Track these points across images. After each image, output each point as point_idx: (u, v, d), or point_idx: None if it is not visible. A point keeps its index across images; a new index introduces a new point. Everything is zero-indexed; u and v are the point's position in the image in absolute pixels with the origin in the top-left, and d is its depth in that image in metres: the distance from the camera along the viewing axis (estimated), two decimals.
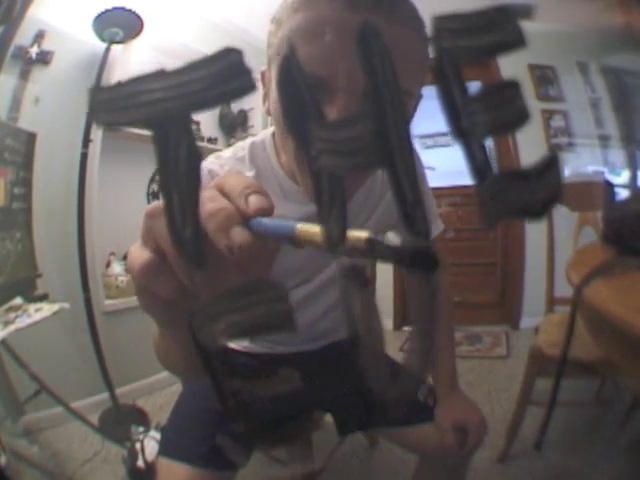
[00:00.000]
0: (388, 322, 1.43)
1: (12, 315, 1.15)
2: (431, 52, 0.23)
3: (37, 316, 1.15)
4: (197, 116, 0.24)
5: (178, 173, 0.24)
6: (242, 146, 0.71)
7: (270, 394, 0.30)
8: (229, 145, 0.74)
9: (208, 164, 0.68)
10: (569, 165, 1.44)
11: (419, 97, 0.58)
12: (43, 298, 1.30)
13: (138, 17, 1.39)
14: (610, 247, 0.86)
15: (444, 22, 0.22)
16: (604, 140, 1.41)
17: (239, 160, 0.69)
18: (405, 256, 0.22)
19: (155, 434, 1.14)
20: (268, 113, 0.61)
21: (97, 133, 1.38)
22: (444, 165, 1.18)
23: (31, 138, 1.37)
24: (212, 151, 0.73)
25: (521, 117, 0.22)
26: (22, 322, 1.12)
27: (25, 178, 1.36)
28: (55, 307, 1.20)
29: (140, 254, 0.28)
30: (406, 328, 1.41)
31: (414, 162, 0.23)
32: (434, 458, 0.86)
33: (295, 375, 0.31)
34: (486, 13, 0.22)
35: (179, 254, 0.26)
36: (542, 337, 1.18)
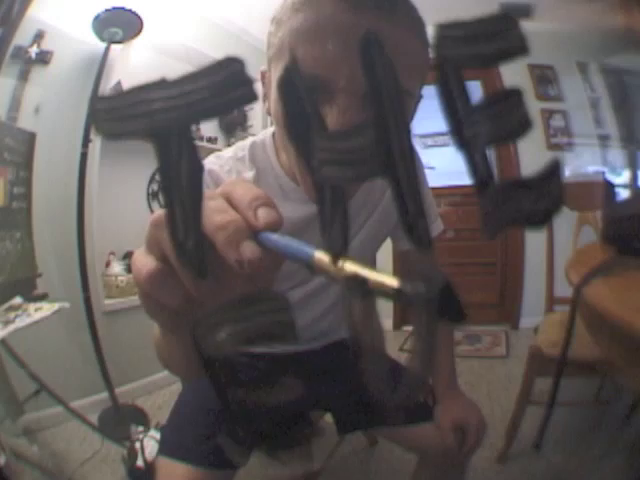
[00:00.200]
0: (388, 322, 1.43)
1: (12, 315, 1.15)
2: (432, 53, 0.23)
3: (37, 316, 1.15)
4: None
5: (180, 184, 0.24)
6: (242, 146, 0.71)
7: (272, 402, 0.30)
8: (229, 145, 0.74)
9: (208, 164, 0.68)
10: (569, 165, 1.44)
11: (419, 97, 0.58)
12: (43, 298, 1.30)
13: (138, 17, 1.39)
14: (610, 247, 0.86)
15: (446, 30, 0.22)
16: (604, 140, 1.41)
17: (239, 160, 0.69)
18: (434, 308, 0.22)
19: (155, 433, 1.14)
20: (268, 113, 0.61)
21: None
22: (444, 165, 1.18)
23: (31, 138, 1.37)
24: (212, 151, 0.73)
25: (523, 126, 0.22)
26: (22, 322, 1.12)
27: (25, 178, 1.36)
28: (55, 307, 1.20)
29: (146, 261, 0.28)
30: (406, 328, 1.41)
31: (416, 172, 0.23)
32: (434, 458, 0.86)
33: (297, 384, 0.31)
34: (488, 20, 0.22)
35: (182, 265, 0.25)
36: (542, 337, 1.18)
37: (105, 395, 1.42)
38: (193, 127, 0.24)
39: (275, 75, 0.56)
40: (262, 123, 1.50)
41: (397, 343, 1.25)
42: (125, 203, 1.50)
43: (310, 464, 1.04)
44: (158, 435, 1.11)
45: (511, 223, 0.23)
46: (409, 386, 0.25)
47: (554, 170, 0.23)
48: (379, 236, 0.80)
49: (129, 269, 1.49)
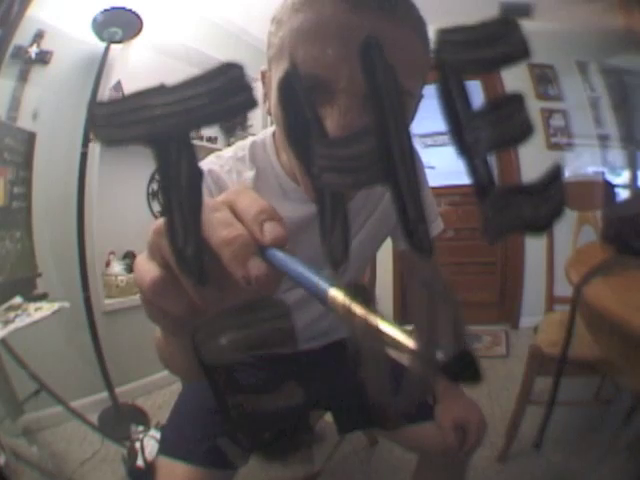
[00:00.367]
0: None
1: (12, 314, 1.15)
2: (432, 56, 0.23)
3: (37, 315, 1.15)
4: None
5: (179, 190, 0.24)
6: (242, 146, 0.71)
7: (272, 408, 0.30)
8: (229, 145, 0.74)
9: (208, 164, 0.68)
10: (569, 165, 1.44)
11: (420, 97, 0.58)
12: (43, 297, 1.30)
13: (137, 17, 1.39)
14: (609, 246, 0.86)
15: (447, 35, 0.22)
16: (604, 139, 1.41)
17: (239, 160, 0.69)
18: (450, 372, 0.21)
19: (155, 433, 1.14)
20: (269, 113, 0.60)
21: None
22: (444, 164, 1.18)
23: (31, 137, 1.37)
24: (212, 150, 0.73)
25: (525, 131, 0.22)
26: (22, 321, 1.12)
27: (25, 177, 1.36)
28: (55, 306, 1.20)
29: (149, 268, 0.27)
30: (406, 327, 1.41)
31: (417, 179, 0.23)
32: (434, 457, 0.86)
33: (298, 390, 0.30)
34: (489, 24, 0.22)
35: (181, 272, 0.25)
36: (542, 336, 1.18)
37: (105, 395, 1.42)
38: (192, 133, 0.24)
39: (275, 75, 0.56)
40: (262, 123, 1.50)
41: None
42: (125, 203, 1.51)
43: (310, 465, 1.04)
44: (158, 435, 1.11)
45: (512, 229, 0.23)
46: (411, 390, 0.25)
47: (555, 175, 0.23)
48: (379, 236, 0.80)
49: (129, 269, 1.49)
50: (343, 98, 0.49)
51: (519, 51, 0.22)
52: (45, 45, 1.36)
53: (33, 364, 1.29)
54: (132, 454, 1.12)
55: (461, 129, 0.22)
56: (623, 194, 1.40)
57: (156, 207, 1.53)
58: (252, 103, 0.23)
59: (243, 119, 1.60)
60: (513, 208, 0.22)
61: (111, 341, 1.44)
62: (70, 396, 1.36)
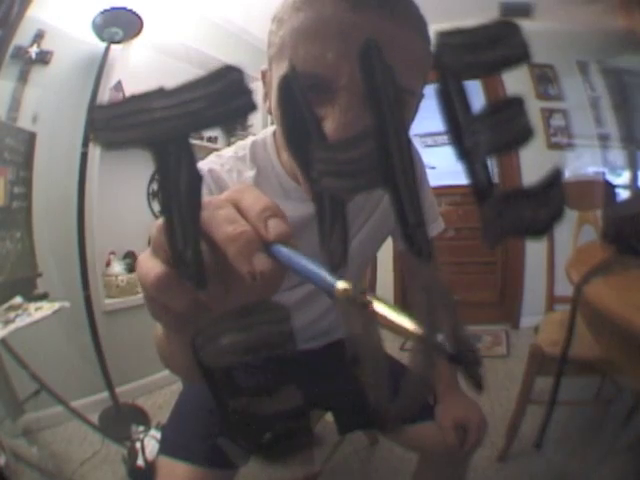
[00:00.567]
0: None
1: (12, 314, 1.15)
2: (433, 51, 0.23)
3: (37, 315, 1.15)
4: None
5: (179, 194, 0.24)
6: (243, 145, 0.71)
7: (272, 411, 0.30)
8: (229, 144, 0.74)
9: (209, 163, 0.68)
10: (569, 164, 1.44)
11: (421, 96, 0.58)
12: (43, 297, 1.30)
13: (138, 17, 1.39)
14: (610, 246, 0.86)
15: (447, 38, 0.22)
16: (604, 139, 1.41)
17: (240, 159, 0.69)
18: (454, 358, 0.22)
19: (155, 433, 1.14)
20: (269, 112, 0.60)
21: None
22: (444, 164, 1.18)
23: (31, 137, 1.37)
24: (212, 150, 0.73)
25: (524, 135, 0.22)
26: (22, 321, 1.12)
27: (25, 177, 1.36)
28: (55, 306, 1.20)
29: (152, 265, 0.27)
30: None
31: (416, 183, 0.23)
32: (434, 457, 0.86)
33: (298, 391, 0.30)
34: (490, 27, 0.22)
35: (180, 275, 0.25)
36: (542, 336, 1.18)
37: (105, 395, 1.42)
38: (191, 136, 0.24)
39: (276, 74, 0.56)
40: (262, 123, 1.50)
41: (398, 342, 1.25)
42: (125, 202, 1.50)
43: (311, 465, 1.04)
44: (159, 435, 1.11)
45: (512, 233, 0.23)
46: (411, 391, 0.25)
47: (555, 179, 0.23)
48: (379, 236, 0.80)
49: (129, 269, 1.49)
50: (343, 97, 0.49)
51: (519, 54, 0.22)
52: (45, 45, 1.36)
53: (33, 364, 1.29)
54: (132, 454, 1.12)
55: (461, 133, 0.22)
56: (623, 194, 1.40)
57: (156, 207, 1.52)
58: (252, 106, 0.23)
59: (243, 119, 1.60)
60: (513, 212, 0.22)
61: (111, 341, 1.44)
62: (70, 396, 1.35)
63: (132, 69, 1.47)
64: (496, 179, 1.45)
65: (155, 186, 1.51)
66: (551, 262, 1.33)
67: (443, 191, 1.38)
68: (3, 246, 1.29)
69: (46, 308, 1.19)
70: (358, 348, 0.25)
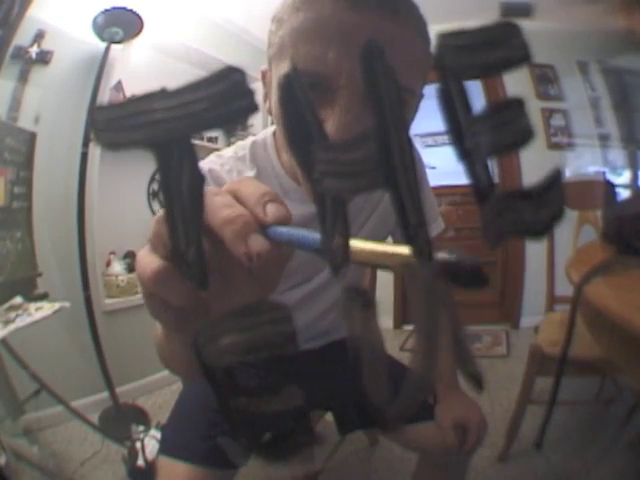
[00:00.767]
0: (388, 321, 1.42)
1: (12, 314, 1.15)
2: (433, 51, 0.23)
3: (37, 315, 1.15)
4: None
5: (181, 195, 0.24)
6: (243, 145, 0.71)
7: (274, 410, 0.30)
8: (229, 144, 0.74)
9: (209, 163, 0.68)
10: (569, 164, 1.44)
11: (420, 96, 0.58)
12: (43, 297, 1.30)
13: (138, 17, 1.39)
14: (610, 246, 0.86)
15: (448, 39, 0.22)
16: (604, 139, 1.41)
17: (240, 159, 0.69)
18: (456, 274, 0.22)
19: (155, 433, 1.14)
20: (269, 112, 0.60)
21: None
22: (444, 164, 1.18)
23: (31, 137, 1.37)
24: (212, 150, 0.73)
25: (525, 136, 0.22)
26: (22, 321, 1.12)
27: (25, 177, 1.36)
28: (55, 306, 1.20)
29: (150, 260, 0.27)
30: (406, 327, 1.41)
31: (417, 184, 0.23)
32: (434, 457, 0.86)
33: (299, 391, 0.30)
34: (490, 29, 0.22)
35: (182, 275, 0.25)
36: (542, 336, 1.18)
37: (106, 395, 1.42)
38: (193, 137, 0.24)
39: (276, 74, 0.56)
40: (262, 123, 1.50)
41: (398, 342, 1.25)
42: (126, 202, 1.50)
43: (311, 465, 1.04)
44: (159, 435, 1.11)
45: (512, 233, 0.23)
46: (411, 391, 0.25)
47: (555, 180, 0.23)
48: (380, 236, 0.80)
49: (130, 268, 1.49)
50: (344, 96, 0.49)
51: (520, 55, 0.22)
52: (45, 45, 1.36)
53: (33, 364, 1.29)
54: (133, 454, 1.12)
55: (461, 134, 0.22)
56: (624, 194, 1.40)
57: (157, 207, 1.53)
58: (253, 108, 0.23)
59: (245, 120, 1.60)
60: (513, 212, 0.22)
61: (112, 341, 1.44)
62: (71, 396, 1.36)
63: (132, 69, 1.47)
64: (496, 179, 1.44)
65: (155, 186, 1.51)
66: (551, 262, 1.33)
67: (443, 191, 1.38)
68: (3, 246, 1.29)
69: (46, 308, 1.19)
70: (359, 347, 0.25)
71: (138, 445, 1.12)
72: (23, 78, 1.36)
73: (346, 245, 0.24)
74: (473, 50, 0.22)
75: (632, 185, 1.40)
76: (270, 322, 0.26)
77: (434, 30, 0.52)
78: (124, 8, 1.37)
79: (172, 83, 0.23)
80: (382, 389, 0.26)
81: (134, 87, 1.44)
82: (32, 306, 1.20)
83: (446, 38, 0.22)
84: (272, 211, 0.26)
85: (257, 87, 0.49)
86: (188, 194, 0.24)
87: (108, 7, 1.36)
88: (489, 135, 0.22)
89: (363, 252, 0.23)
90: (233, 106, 0.23)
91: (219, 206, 0.26)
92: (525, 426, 1.12)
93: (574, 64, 1.42)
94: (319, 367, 0.80)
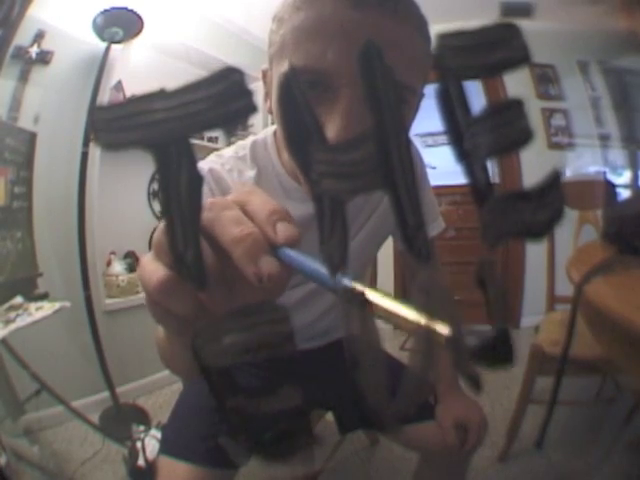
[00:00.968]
0: None
1: (13, 314, 1.15)
2: (434, 50, 0.23)
3: (38, 315, 1.15)
4: None
5: (179, 195, 0.24)
6: (243, 145, 0.71)
7: (273, 410, 0.30)
8: (229, 144, 0.74)
9: (209, 163, 0.67)
10: (570, 164, 1.44)
11: (421, 95, 0.58)
12: (44, 297, 1.30)
13: (138, 17, 1.39)
14: (610, 245, 0.86)
15: (448, 40, 0.22)
16: (604, 139, 1.41)
17: (240, 159, 0.69)
18: (484, 356, 0.22)
19: (156, 433, 1.14)
20: (269, 112, 0.60)
21: None
22: (444, 164, 1.18)
23: (31, 137, 1.37)
24: (212, 150, 0.73)
25: (524, 137, 0.22)
26: (23, 321, 1.12)
27: (25, 177, 1.36)
28: (56, 306, 1.20)
29: (155, 269, 0.27)
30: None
31: (416, 185, 0.23)
32: (435, 456, 0.86)
33: (298, 391, 0.30)
34: (490, 29, 0.22)
35: (181, 276, 0.25)
36: (543, 336, 1.18)
37: (106, 395, 1.42)
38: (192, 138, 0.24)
39: (276, 73, 0.56)
40: (263, 122, 1.50)
41: (398, 342, 1.25)
42: (126, 202, 1.51)
43: (311, 465, 1.04)
44: (159, 434, 1.11)
45: (511, 234, 0.23)
46: (410, 391, 0.25)
47: (554, 181, 0.23)
48: (379, 236, 0.79)
49: (130, 268, 1.49)
50: (345, 95, 0.49)
51: (520, 56, 0.22)
52: (46, 45, 1.36)
53: (34, 364, 1.29)
54: (133, 454, 1.12)
55: (460, 135, 0.22)
56: (624, 193, 1.40)
57: (157, 207, 1.53)
58: (252, 108, 0.23)
59: (244, 121, 1.60)
60: (512, 213, 0.22)
61: (112, 341, 1.44)
62: (71, 396, 1.36)
63: (132, 69, 1.47)
64: (497, 179, 1.45)
65: (155, 186, 1.51)
66: (551, 262, 1.33)
67: (443, 191, 1.38)
68: (4, 246, 1.29)
69: (47, 308, 1.19)
70: (357, 348, 0.25)
71: (138, 445, 1.12)
72: (23, 78, 1.36)
73: (344, 246, 0.24)
74: (473, 51, 0.22)
75: (632, 185, 1.40)
76: (268, 322, 0.26)
77: (434, 30, 0.52)
78: (124, 8, 1.37)
79: (172, 83, 0.23)
80: (381, 389, 0.26)
81: (134, 87, 1.44)
82: (32, 306, 1.20)
83: (446, 38, 0.22)
84: (282, 230, 0.26)
85: (257, 87, 0.49)
86: (186, 194, 0.24)
87: (108, 7, 1.36)
88: (488, 136, 0.22)
89: (381, 308, 0.23)
90: (232, 106, 0.23)
91: (228, 222, 0.26)
92: (525, 426, 1.12)
93: (575, 64, 1.42)
94: (319, 367, 0.80)
